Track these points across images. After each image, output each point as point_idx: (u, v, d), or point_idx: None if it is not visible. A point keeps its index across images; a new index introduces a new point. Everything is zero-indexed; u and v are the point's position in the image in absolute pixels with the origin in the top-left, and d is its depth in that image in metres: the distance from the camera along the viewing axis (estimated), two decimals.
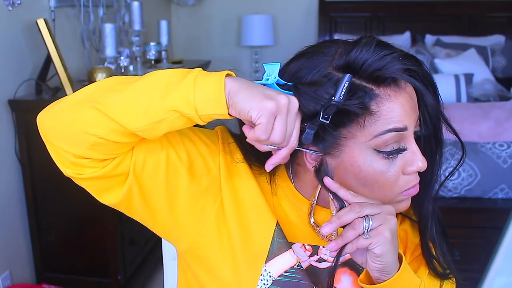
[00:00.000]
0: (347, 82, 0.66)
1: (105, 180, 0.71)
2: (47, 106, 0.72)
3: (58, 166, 0.71)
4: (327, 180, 0.71)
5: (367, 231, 0.67)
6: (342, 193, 0.70)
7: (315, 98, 0.67)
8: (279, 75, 0.70)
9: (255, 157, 0.77)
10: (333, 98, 0.66)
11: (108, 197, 0.73)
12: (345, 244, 0.69)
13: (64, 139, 0.68)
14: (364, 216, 0.67)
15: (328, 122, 0.67)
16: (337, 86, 0.66)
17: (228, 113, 0.65)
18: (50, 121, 0.70)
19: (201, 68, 0.67)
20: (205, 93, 0.63)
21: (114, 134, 0.66)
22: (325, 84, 0.68)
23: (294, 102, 0.65)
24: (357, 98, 0.68)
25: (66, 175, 0.72)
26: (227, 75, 0.65)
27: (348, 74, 0.66)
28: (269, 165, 0.69)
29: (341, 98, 0.66)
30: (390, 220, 0.68)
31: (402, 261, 0.70)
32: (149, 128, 0.65)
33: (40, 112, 0.71)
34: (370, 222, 0.67)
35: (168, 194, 0.74)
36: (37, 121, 0.71)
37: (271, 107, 0.62)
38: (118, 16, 2.94)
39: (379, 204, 0.69)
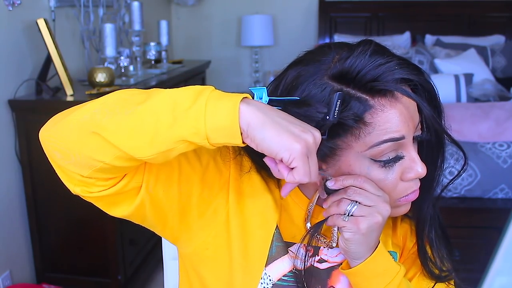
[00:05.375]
0: (339, 101, 0.65)
1: (116, 196, 0.69)
2: (49, 121, 0.68)
3: (66, 185, 0.68)
4: (331, 184, 0.72)
5: (348, 215, 0.69)
6: (349, 182, 0.70)
7: (308, 117, 0.67)
8: (273, 90, 0.70)
9: (262, 163, 0.77)
10: (327, 117, 0.66)
11: (118, 211, 0.71)
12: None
13: (69, 161, 0.64)
14: (353, 201, 0.69)
15: (325, 137, 0.67)
16: (329, 104, 0.66)
17: (242, 142, 0.60)
18: (53, 141, 0.65)
19: (213, 88, 0.61)
20: (218, 122, 0.58)
21: (120, 161, 0.62)
22: (315, 103, 0.68)
23: (318, 136, 0.62)
24: (351, 110, 0.67)
25: (75, 193, 0.68)
26: (242, 99, 0.60)
27: (338, 92, 0.66)
28: (286, 193, 0.68)
29: (336, 116, 0.66)
30: (375, 217, 0.68)
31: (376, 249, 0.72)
32: (156, 157, 0.61)
33: (42, 128, 0.67)
34: (354, 208, 0.69)
35: (180, 203, 0.73)
36: (39, 138, 0.67)
37: (301, 148, 0.59)
38: (118, 16, 2.94)
39: (379, 198, 0.69)
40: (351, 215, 0.69)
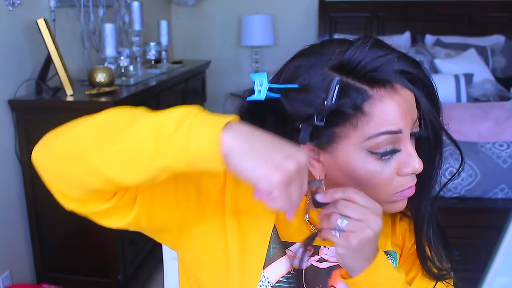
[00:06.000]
0: (337, 86, 0.66)
1: (110, 210, 0.69)
2: (40, 142, 0.68)
3: (60, 202, 0.68)
4: (320, 197, 0.70)
5: (338, 230, 0.67)
6: (339, 195, 0.69)
7: (307, 103, 0.68)
8: (274, 82, 0.71)
9: None
10: (325, 102, 0.67)
11: (113, 223, 0.71)
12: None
13: (61, 184, 0.66)
14: (343, 216, 0.67)
15: (323, 123, 0.68)
16: (328, 90, 0.67)
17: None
18: (44, 165, 0.67)
19: (198, 110, 0.60)
20: (199, 150, 0.57)
21: (109, 185, 0.63)
22: (314, 90, 0.69)
23: (303, 160, 0.59)
24: (349, 98, 0.68)
25: (69, 210, 0.69)
26: (226, 124, 0.58)
27: (337, 78, 0.67)
28: (291, 217, 0.65)
29: (333, 101, 0.66)
30: (366, 232, 0.66)
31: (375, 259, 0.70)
32: (143, 182, 0.61)
33: (34, 150, 0.67)
34: (344, 223, 0.67)
35: (178, 212, 0.73)
36: (32, 159, 0.67)
37: (280, 179, 0.56)
38: (118, 16, 2.94)
39: (369, 211, 0.67)
40: (342, 231, 0.67)
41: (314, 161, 0.73)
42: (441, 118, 0.74)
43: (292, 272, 0.76)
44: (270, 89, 0.69)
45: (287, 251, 0.77)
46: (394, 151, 0.71)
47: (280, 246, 0.76)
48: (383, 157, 0.71)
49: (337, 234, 0.68)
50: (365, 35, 0.71)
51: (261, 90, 0.68)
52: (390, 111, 0.69)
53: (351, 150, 0.71)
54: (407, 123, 0.70)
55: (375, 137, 0.69)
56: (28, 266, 2.21)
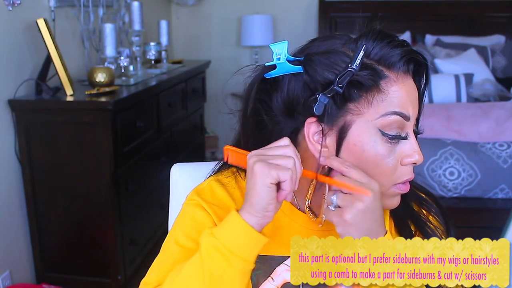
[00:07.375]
0: (363, 50, 0.69)
1: None
2: None
3: None
4: (334, 162, 0.71)
5: (334, 206, 0.69)
6: (336, 164, 0.71)
7: (330, 66, 0.70)
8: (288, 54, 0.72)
9: None
10: (349, 65, 0.68)
11: None
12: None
13: None
14: (337, 190, 0.69)
15: (342, 90, 0.68)
16: (353, 54, 0.69)
17: None
18: None
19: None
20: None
21: None
22: (339, 53, 0.71)
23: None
24: (368, 72, 0.70)
25: None
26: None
27: (363, 43, 0.69)
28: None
29: (358, 65, 0.68)
30: (356, 204, 0.67)
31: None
32: None
33: None
34: (335, 197, 0.69)
35: None
36: None
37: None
38: (118, 16, 2.94)
39: (361, 185, 0.68)
40: (338, 206, 0.68)
41: (319, 146, 0.73)
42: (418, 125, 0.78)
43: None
44: (289, 60, 0.71)
45: (282, 265, 0.76)
46: (401, 137, 0.72)
47: (260, 272, 0.76)
48: (392, 141, 0.72)
49: (333, 209, 0.69)
50: (372, 27, 0.73)
51: (281, 57, 0.71)
52: (402, 95, 0.71)
53: (363, 128, 0.71)
54: (414, 113, 0.73)
55: (388, 115, 0.71)
56: (28, 266, 2.21)
